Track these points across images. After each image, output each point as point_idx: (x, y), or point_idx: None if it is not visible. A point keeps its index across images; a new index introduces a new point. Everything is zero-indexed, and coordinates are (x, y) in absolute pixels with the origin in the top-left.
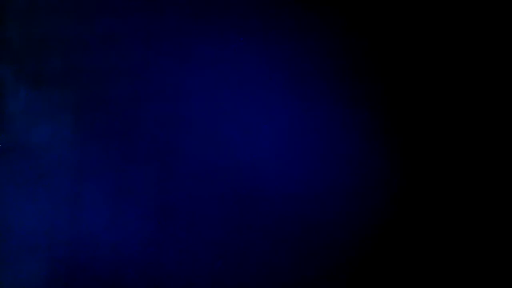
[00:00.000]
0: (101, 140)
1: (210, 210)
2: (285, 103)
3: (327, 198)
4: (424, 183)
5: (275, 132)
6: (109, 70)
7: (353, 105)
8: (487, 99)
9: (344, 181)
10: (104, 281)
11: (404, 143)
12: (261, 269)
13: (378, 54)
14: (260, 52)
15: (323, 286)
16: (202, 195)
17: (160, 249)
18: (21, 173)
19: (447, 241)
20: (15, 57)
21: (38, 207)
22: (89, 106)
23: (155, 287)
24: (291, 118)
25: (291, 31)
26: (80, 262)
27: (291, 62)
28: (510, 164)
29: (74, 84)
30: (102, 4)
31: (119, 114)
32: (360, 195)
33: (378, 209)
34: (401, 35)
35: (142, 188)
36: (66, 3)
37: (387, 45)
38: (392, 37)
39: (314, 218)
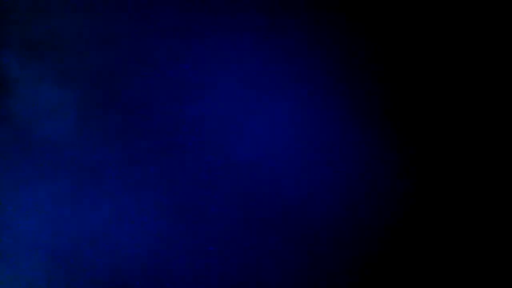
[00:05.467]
0: (109, 139)
1: (217, 210)
2: (290, 103)
3: (332, 198)
4: (428, 183)
5: (282, 132)
6: (116, 69)
7: (359, 106)
8: (488, 100)
9: (351, 182)
10: (108, 282)
11: (407, 143)
12: (270, 267)
13: (382, 55)
14: (265, 52)
15: (329, 285)
16: (210, 194)
17: (169, 248)
18: (23, 171)
19: (450, 242)
20: (18, 55)
21: (43, 205)
22: (98, 104)
23: (163, 286)
24: (298, 118)
25: (296, 31)
26: (86, 261)
27: (296, 61)
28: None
29: (79, 83)
30: (108, 4)
31: (129, 113)
32: (367, 196)
33: (382, 209)
34: (404, 37)
35: (150, 187)
36: (70, 3)
37: (391, 46)
38: (395, 39)
39: (320, 218)
